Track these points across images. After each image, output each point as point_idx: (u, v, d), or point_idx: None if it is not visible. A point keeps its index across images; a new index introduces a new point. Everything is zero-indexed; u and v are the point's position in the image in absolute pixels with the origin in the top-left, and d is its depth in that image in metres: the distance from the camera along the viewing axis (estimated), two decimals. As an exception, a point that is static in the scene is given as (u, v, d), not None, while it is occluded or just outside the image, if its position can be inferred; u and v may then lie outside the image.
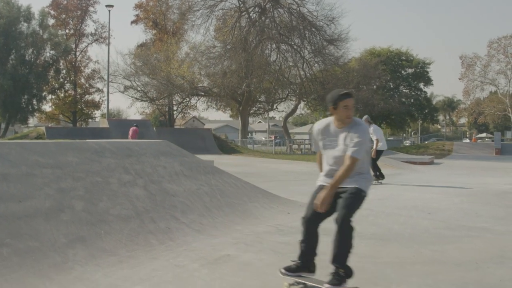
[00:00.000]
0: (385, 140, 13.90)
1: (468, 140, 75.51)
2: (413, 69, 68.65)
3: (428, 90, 72.56)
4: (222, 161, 22.88)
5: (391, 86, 67.97)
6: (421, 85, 69.96)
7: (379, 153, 16.51)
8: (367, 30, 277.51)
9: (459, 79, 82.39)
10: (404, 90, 69.85)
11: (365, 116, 13.79)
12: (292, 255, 6.43)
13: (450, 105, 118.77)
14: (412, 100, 68.72)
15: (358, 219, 9.30)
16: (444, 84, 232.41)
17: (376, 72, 54.45)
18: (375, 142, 15.84)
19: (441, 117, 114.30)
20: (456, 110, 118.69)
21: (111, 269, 5.55)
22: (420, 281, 5.47)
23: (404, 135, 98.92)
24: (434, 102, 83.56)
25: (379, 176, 16.82)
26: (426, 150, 44.32)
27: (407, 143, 72.71)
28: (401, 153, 38.40)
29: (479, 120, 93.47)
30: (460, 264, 6.25)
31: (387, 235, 7.96)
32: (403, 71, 68.94)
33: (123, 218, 7.00)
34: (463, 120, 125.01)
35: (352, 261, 6.09)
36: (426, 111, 70.91)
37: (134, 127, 32.99)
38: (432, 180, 19.19)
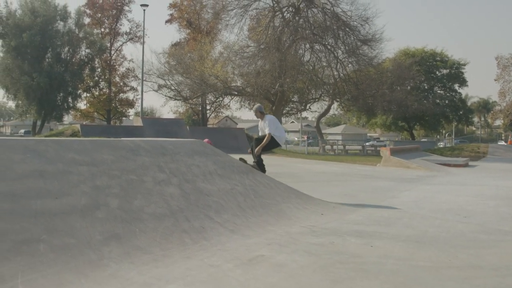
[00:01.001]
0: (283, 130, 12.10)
1: (503, 143, 74.63)
2: (447, 70, 67.87)
3: (463, 91, 71.72)
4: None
5: (426, 87, 67.31)
6: (456, 86, 69.15)
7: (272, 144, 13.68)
8: (402, 30, 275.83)
9: (495, 80, 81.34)
10: (439, 91, 69.10)
11: (256, 106, 12.22)
12: (327, 256, 6.42)
13: (485, 106, 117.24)
14: (446, 102, 67.95)
15: (392, 221, 9.31)
16: (479, 85, 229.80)
17: (410, 73, 53.99)
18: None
19: (476, 119, 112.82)
20: (492, 111, 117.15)
21: (146, 267, 5.56)
22: (456, 286, 5.39)
23: (438, 136, 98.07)
24: (469, 104, 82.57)
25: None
26: (461, 152, 43.83)
27: (441, 145, 72.00)
28: (435, 155, 38.05)
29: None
30: (497, 269, 6.15)
31: (422, 238, 7.88)
32: (437, 72, 68.19)
33: (157, 217, 7.02)
34: (498, 122, 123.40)
35: (387, 264, 6.06)
36: (461, 112, 70.05)
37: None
38: (467, 182, 18.98)
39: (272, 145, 12.05)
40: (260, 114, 12.12)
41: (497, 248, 7.40)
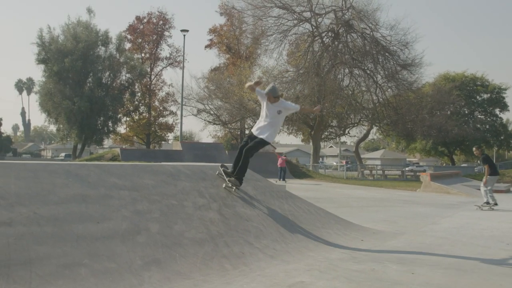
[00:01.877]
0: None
1: (545, 168, 73.28)
2: (488, 95, 67.34)
3: (504, 116, 70.98)
4: (294, 186, 22.86)
5: (466, 112, 66.81)
6: (497, 111, 68.50)
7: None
8: (442, 55, 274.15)
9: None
10: (479, 116, 68.53)
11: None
12: (367, 283, 6.35)
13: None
14: (487, 126, 67.32)
15: (434, 248, 9.17)
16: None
17: (450, 98, 53.65)
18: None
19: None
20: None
21: (186, 292, 5.56)
22: (500, 315, 5.29)
23: (479, 162, 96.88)
24: (510, 128, 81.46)
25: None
26: (502, 177, 43.16)
27: (476, 170, 71.16)
28: (476, 181, 37.56)
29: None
30: (542, 298, 6.02)
31: (464, 266, 7.75)
32: (478, 97, 67.68)
33: (197, 242, 7.03)
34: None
35: (429, 292, 5.96)
36: (502, 137, 69.27)
37: (284, 157, 36.56)
38: (509, 208, 18.69)
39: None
40: (274, 98, 9.86)
41: (542, 277, 7.24)
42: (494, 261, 8.21)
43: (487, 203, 18.27)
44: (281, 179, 32.83)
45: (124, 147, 66.52)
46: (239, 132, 69.20)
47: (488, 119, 68.46)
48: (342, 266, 7.27)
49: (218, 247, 7.15)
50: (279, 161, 35.44)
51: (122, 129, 72.82)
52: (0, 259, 4.92)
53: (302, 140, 77.77)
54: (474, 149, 19.67)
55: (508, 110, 68.61)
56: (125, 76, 66.43)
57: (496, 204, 18.16)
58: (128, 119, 71.86)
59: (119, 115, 66.66)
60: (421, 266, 7.57)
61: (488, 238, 10.97)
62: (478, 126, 65.75)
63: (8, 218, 5.51)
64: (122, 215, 6.68)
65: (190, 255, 6.58)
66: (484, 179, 18.72)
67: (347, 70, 48.71)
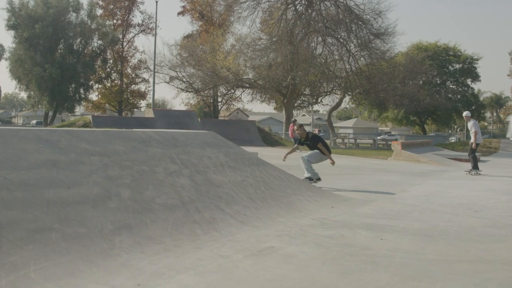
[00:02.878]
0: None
1: (515, 138, 74.23)
2: (460, 65, 67.71)
3: (476, 86, 71.35)
4: (266, 153, 22.90)
5: (438, 82, 67.21)
6: (469, 81, 69.02)
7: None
8: (414, 24, 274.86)
9: (508, 75, 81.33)
10: (451, 86, 68.98)
11: None
12: (336, 248, 6.44)
13: (497, 102, 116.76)
14: (459, 96, 67.81)
15: (402, 215, 9.34)
16: (492, 81, 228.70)
17: (423, 67, 53.95)
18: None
19: (488, 114, 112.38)
20: (504, 107, 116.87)
21: (157, 257, 5.60)
22: (466, 280, 5.39)
23: (450, 131, 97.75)
24: (481, 99, 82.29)
25: None
26: (473, 147, 43.65)
27: (453, 139, 71.83)
28: (447, 150, 38.00)
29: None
30: (508, 263, 6.14)
31: (432, 232, 7.87)
32: (450, 67, 68.08)
33: (168, 207, 7.06)
34: (510, 117, 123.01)
35: (396, 257, 6.09)
36: (473, 107, 69.80)
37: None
38: (478, 178, 18.93)
39: None
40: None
41: (508, 242, 7.39)
42: (462, 228, 8.34)
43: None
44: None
45: (96, 114, 66.07)
46: (211, 100, 69.00)
47: (460, 89, 68.95)
48: (312, 232, 7.35)
49: (189, 212, 7.20)
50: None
51: (94, 96, 72.52)
52: (-31, 223, 4.92)
53: (275, 109, 77.82)
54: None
55: (480, 81, 69.18)
56: (97, 43, 66.05)
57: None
58: (100, 86, 71.46)
59: (91, 82, 66.29)
60: (390, 232, 7.68)
61: (457, 205, 11.12)
62: (450, 96, 66.20)
63: (-22, 183, 5.49)
64: (93, 181, 6.68)
65: (161, 221, 6.62)
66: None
67: (320, 39, 48.62)
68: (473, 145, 19.27)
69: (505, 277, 5.55)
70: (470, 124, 19.27)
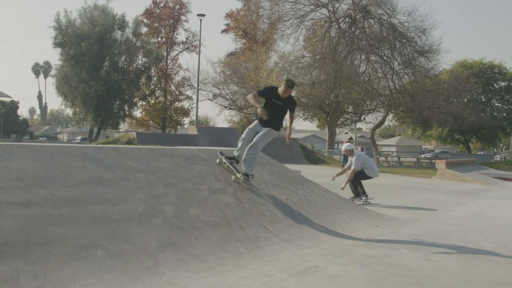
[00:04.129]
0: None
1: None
2: (506, 83, 66.75)
3: (521, 104, 70.21)
4: (309, 171, 22.86)
5: (483, 100, 66.35)
6: (514, 99, 67.97)
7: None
8: (459, 42, 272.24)
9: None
10: (496, 104, 68.05)
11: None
12: (381, 268, 6.37)
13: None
14: (504, 114, 66.81)
15: (447, 235, 9.19)
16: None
17: (468, 85, 53.35)
18: None
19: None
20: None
21: (201, 275, 5.60)
22: (514, 302, 5.30)
23: (495, 150, 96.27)
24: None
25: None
26: (518, 166, 43.02)
27: (498, 158, 70.73)
28: (492, 169, 37.45)
29: None
30: (556, 286, 6.02)
31: (478, 253, 7.75)
32: (495, 84, 67.17)
33: (212, 225, 7.07)
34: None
35: (442, 278, 5.99)
36: (519, 126, 68.82)
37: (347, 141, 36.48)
38: (524, 197, 18.61)
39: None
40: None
41: (557, 265, 7.23)
42: (508, 249, 8.19)
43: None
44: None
45: (139, 131, 66.73)
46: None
47: (505, 107, 67.94)
48: (356, 252, 7.29)
49: (233, 230, 7.19)
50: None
51: (138, 113, 73.14)
52: (18, 239, 4.99)
53: (318, 126, 77.64)
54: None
55: (526, 98, 68.05)
56: (142, 60, 66.63)
57: None
58: (144, 103, 72.13)
59: (135, 99, 66.83)
60: (435, 253, 7.58)
61: (503, 226, 10.95)
62: (495, 114, 65.34)
63: (26, 199, 5.57)
64: (138, 198, 6.74)
65: (205, 238, 6.62)
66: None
67: (363, 56, 48.54)
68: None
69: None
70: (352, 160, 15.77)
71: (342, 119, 60.48)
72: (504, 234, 9.84)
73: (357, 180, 14.38)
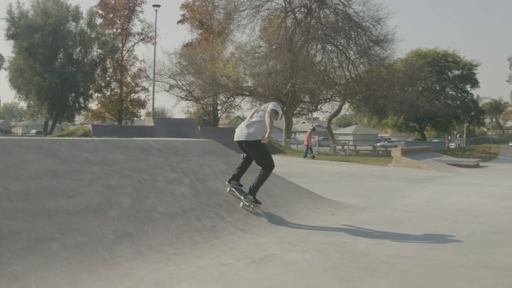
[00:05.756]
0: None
1: (515, 144, 74.20)
2: (459, 71, 67.82)
3: (475, 92, 71.49)
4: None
5: (437, 88, 67.27)
6: (468, 87, 69.10)
7: None
8: (414, 31, 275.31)
9: (507, 81, 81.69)
10: (450, 92, 69.07)
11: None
12: (337, 255, 6.45)
13: (497, 107, 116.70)
14: (458, 102, 67.88)
15: (403, 221, 9.34)
16: (491, 87, 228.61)
17: (422, 74, 53.91)
18: None
19: (487, 120, 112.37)
20: (503, 112, 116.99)
21: (158, 265, 5.61)
22: (466, 285, 5.41)
23: (449, 137, 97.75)
24: (480, 105, 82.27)
25: None
26: (472, 153, 43.81)
27: (452, 145, 71.88)
28: (446, 156, 38.01)
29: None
30: (508, 269, 6.16)
31: (433, 239, 7.89)
32: (449, 73, 68.17)
33: (169, 216, 7.07)
34: (510, 123, 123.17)
35: (397, 263, 6.10)
36: (472, 113, 70.00)
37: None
38: (478, 183, 18.94)
39: None
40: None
41: (508, 248, 7.41)
42: (462, 234, 8.35)
43: None
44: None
45: (95, 123, 66.05)
46: (211, 108, 69.07)
47: (459, 95, 69.02)
48: (313, 239, 7.36)
49: (189, 221, 7.20)
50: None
51: (93, 105, 72.33)
52: (-29, 233, 4.93)
53: (275, 116, 77.59)
54: None
55: (479, 87, 69.22)
56: (97, 52, 65.84)
57: None
58: (99, 95, 71.37)
59: (91, 91, 66.04)
60: (391, 239, 7.71)
61: (457, 211, 11.14)
62: (449, 102, 66.25)
63: (-21, 193, 5.50)
64: (94, 190, 6.70)
65: (162, 229, 6.62)
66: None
67: (319, 46, 48.62)
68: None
69: (505, 283, 5.57)
70: None
71: (298, 109, 60.62)
72: (458, 219, 10.03)
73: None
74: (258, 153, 8.68)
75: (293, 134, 78.07)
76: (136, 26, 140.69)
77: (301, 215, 9.28)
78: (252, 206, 8.54)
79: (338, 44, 48.23)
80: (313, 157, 35.38)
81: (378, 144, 59.46)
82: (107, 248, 5.68)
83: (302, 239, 7.39)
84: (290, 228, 8.17)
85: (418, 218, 9.92)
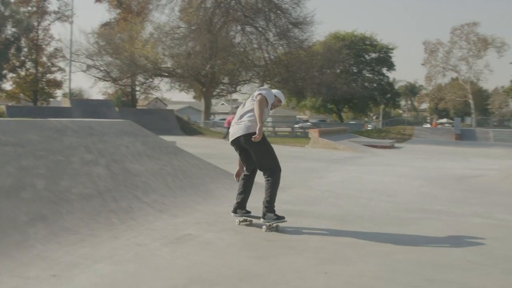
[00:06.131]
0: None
1: (428, 125, 76.30)
2: (376, 54, 69.28)
3: (391, 75, 73.52)
4: (185, 142, 22.84)
5: (355, 71, 68.52)
6: (384, 70, 70.73)
7: None
8: (332, 14, 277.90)
9: (422, 64, 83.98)
10: (367, 75, 70.49)
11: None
12: (253, 234, 6.54)
13: (412, 90, 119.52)
14: (375, 85, 69.31)
15: (319, 200, 9.52)
16: (406, 70, 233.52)
17: (340, 56, 54.77)
18: None
19: (403, 102, 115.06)
20: (418, 95, 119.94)
21: (73, 247, 5.55)
22: (378, 261, 5.58)
23: (366, 119, 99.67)
24: (396, 87, 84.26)
25: None
26: (387, 134, 44.79)
27: (369, 127, 73.39)
28: (363, 137, 38.81)
29: (440, 106, 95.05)
30: (418, 245, 6.39)
31: (347, 217, 8.10)
32: (366, 56, 69.54)
33: (85, 197, 7.00)
34: (424, 106, 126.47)
35: (312, 241, 6.23)
36: (389, 95, 71.75)
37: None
38: (393, 163, 19.45)
39: None
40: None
41: (418, 225, 7.67)
42: (376, 212, 8.61)
43: None
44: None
45: (10, 104, 64.27)
46: (129, 89, 68.19)
47: (376, 77, 70.53)
48: (230, 219, 7.42)
49: (106, 202, 7.15)
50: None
51: (7, 85, 70.23)
52: None
53: (194, 97, 77.61)
54: None
55: (395, 70, 71.04)
56: (11, 31, 63.85)
57: None
58: (14, 75, 69.31)
59: (4, 71, 64.16)
60: (307, 218, 7.87)
61: (371, 191, 11.45)
62: (366, 84, 67.56)
63: None
64: (7, 171, 6.55)
65: (77, 211, 6.55)
66: None
67: (239, 27, 48.77)
68: None
69: (415, 258, 5.77)
70: None
71: (218, 90, 60.62)
72: (372, 198, 10.31)
73: None
74: (261, 151, 7.43)
75: (212, 116, 77.99)
76: (52, 5, 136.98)
77: (219, 195, 9.34)
78: (276, 225, 7.04)
79: (257, 25, 48.44)
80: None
81: (296, 125, 60.04)
82: (20, 231, 5.59)
83: (219, 219, 7.45)
84: (207, 208, 8.22)
85: (334, 198, 10.13)
